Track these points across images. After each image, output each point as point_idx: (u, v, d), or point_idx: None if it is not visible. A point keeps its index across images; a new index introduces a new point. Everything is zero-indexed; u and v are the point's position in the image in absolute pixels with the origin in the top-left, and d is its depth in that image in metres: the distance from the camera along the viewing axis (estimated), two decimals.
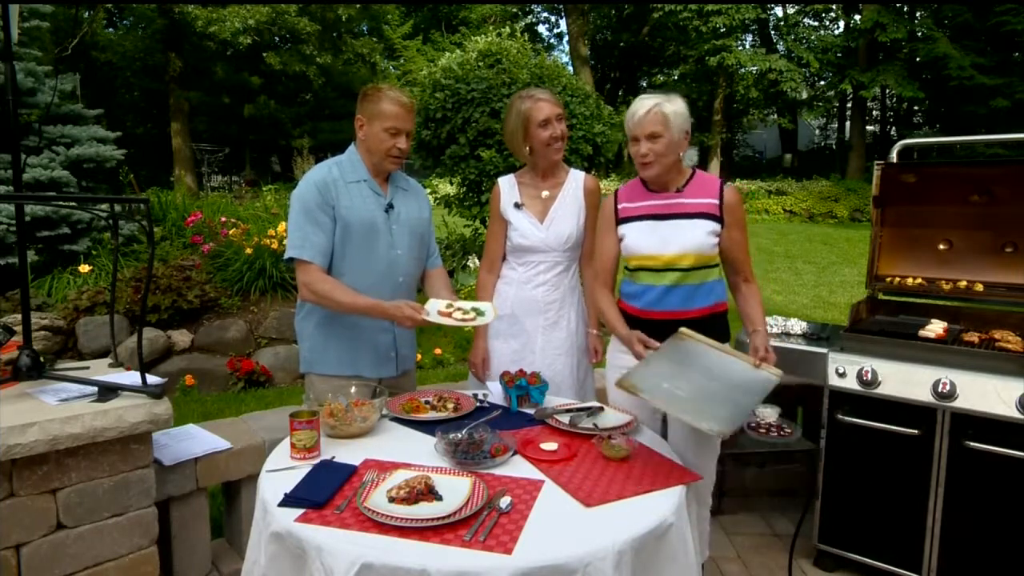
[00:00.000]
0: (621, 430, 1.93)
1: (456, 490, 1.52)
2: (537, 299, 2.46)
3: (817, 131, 30.06)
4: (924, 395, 2.41)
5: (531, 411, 2.09)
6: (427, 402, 2.15)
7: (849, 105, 22.52)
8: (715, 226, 2.16)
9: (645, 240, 2.19)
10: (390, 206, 2.30)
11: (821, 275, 9.80)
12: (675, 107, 2.10)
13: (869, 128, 23.62)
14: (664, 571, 1.47)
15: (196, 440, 2.43)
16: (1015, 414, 2.24)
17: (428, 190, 7.37)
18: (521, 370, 2.26)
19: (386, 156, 2.24)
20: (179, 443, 2.38)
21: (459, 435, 1.78)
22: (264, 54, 19.14)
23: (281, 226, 5.36)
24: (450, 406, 2.12)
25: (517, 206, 2.46)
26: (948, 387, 2.36)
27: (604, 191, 2.59)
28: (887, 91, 21.15)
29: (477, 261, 6.43)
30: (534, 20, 28.71)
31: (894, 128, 24.38)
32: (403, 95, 2.24)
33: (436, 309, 2.17)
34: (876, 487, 2.55)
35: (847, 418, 2.57)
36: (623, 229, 2.24)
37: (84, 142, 5.93)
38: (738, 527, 3.03)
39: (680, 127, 2.11)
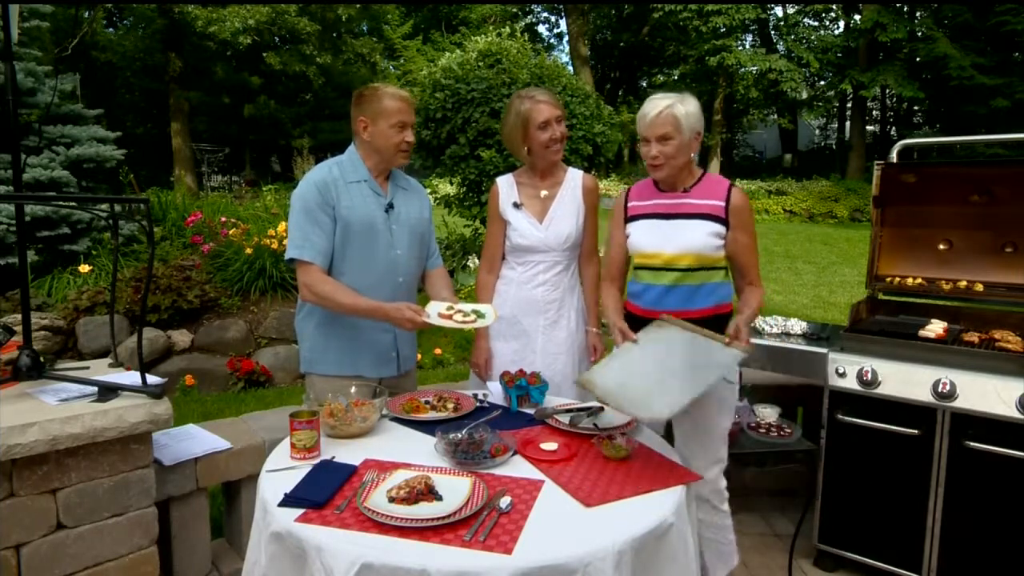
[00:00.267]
0: (621, 430, 1.93)
1: (456, 490, 1.52)
2: (537, 299, 2.46)
3: (817, 131, 30.06)
4: (924, 395, 2.42)
5: (531, 411, 2.09)
6: (427, 402, 2.15)
7: (849, 105, 22.52)
8: (718, 228, 2.15)
9: (646, 238, 2.20)
10: (390, 206, 2.30)
11: (821, 275, 9.80)
12: (687, 108, 2.09)
13: (869, 128, 23.62)
14: (664, 571, 1.47)
15: (196, 440, 2.43)
16: (1015, 414, 2.24)
17: (428, 190, 7.36)
18: (521, 370, 2.26)
19: (396, 151, 2.25)
20: (179, 443, 2.38)
21: (459, 435, 1.78)
22: (264, 54, 19.14)
23: (281, 226, 5.36)
24: (450, 406, 2.12)
25: (516, 206, 2.46)
26: (948, 387, 2.36)
27: (604, 191, 2.59)
28: (887, 91, 21.15)
29: (477, 261, 6.43)
30: (534, 20, 28.72)
31: (894, 128, 24.38)
32: (400, 90, 2.27)
33: (437, 311, 2.17)
34: (876, 487, 2.55)
35: (847, 418, 2.57)
36: (630, 227, 2.27)
37: (84, 142, 5.93)
38: (738, 527, 3.00)
39: (692, 128, 2.10)
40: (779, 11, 23.47)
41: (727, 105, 22.42)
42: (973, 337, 2.59)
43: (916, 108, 22.92)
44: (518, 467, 1.70)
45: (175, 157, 18.51)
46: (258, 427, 2.61)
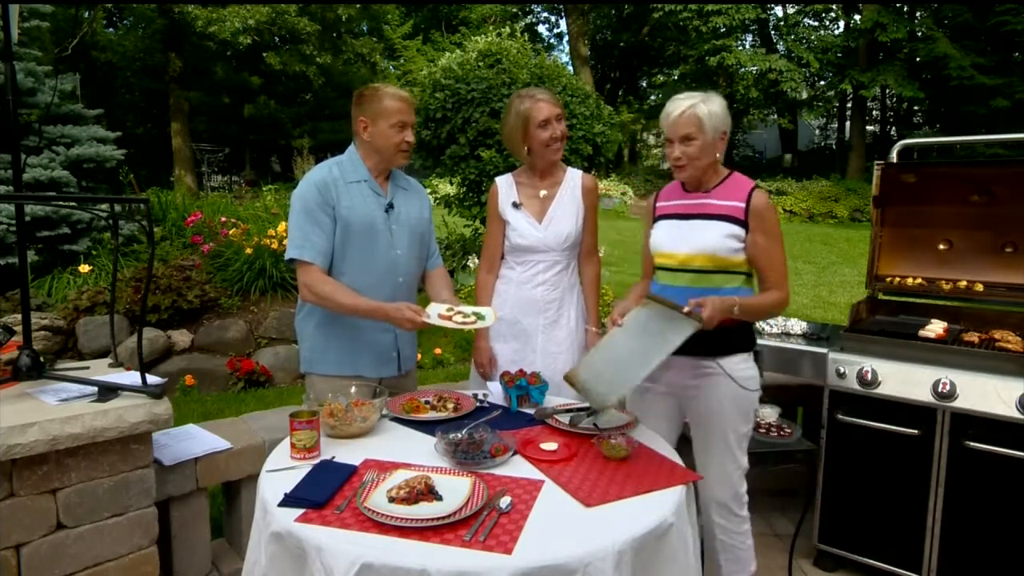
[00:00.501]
0: (621, 430, 1.93)
1: (456, 490, 1.52)
2: (537, 298, 2.46)
3: (817, 131, 30.04)
4: (924, 395, 2.42)
5: (531, 411, 2.09)
6: (427, 402, 2.15)
7: (849, 105, 22.51)
8: (736, 229, 2.07)
9: (664, 238, 2.19)
10: (390, 206, 2.30)
11: (821, 275, 9.80)
12: (711, 108, 2.05)
13: (869, 128, 23.61)
14: (664, 571, 1.47)
15: (196, 440, 2.43)
16: (1015, 414, 2.25)
17: (428, 190, 7.36)
18: (521, 370, 2.26)
19: (396, 152, 2.25)
20: (179, 443, 2.38)
21: (459, 435, 1.78)
22: (264, 54, 19.14)
23: (281, 226, 5.36)
24: (450, 406, 2.12)
25: (515, 206, 2.46)
26: (948, 387, 2.36)
27: (603, 191, 2.60)
28: (887, 91, 21.14)
29: (477, 261, 6.43)
30: (534, 20, 28.72)
31: (894, 128, 24.36)
32: (400, 90, 2.27)
33: (437, 312, 2.17)
34: (876, 487, 2.55)
35: (847, 418, 2.57)
36: (654, 227, 2.25)
37: (84, 142, 5.93)
38: None
39: (715, 128, 2.05)
40: (779, 11, 23.46)
41: (727, 105, 22.41)
42: (973, 337, 2.59)
43: (916, 108, 22.91)
44: (518, 467, 1.70)
45: (175, 157, 18.52)
46: (258, 427, 2.61)
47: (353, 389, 2.06)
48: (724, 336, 2.08)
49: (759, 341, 2.83)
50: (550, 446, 1.80)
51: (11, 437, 1.77)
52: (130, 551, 2.06)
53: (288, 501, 1.50)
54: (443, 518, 1.39)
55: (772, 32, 23.23)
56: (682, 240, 2.14)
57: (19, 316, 2.27)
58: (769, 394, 3.14)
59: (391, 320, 2.14)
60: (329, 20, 19.13)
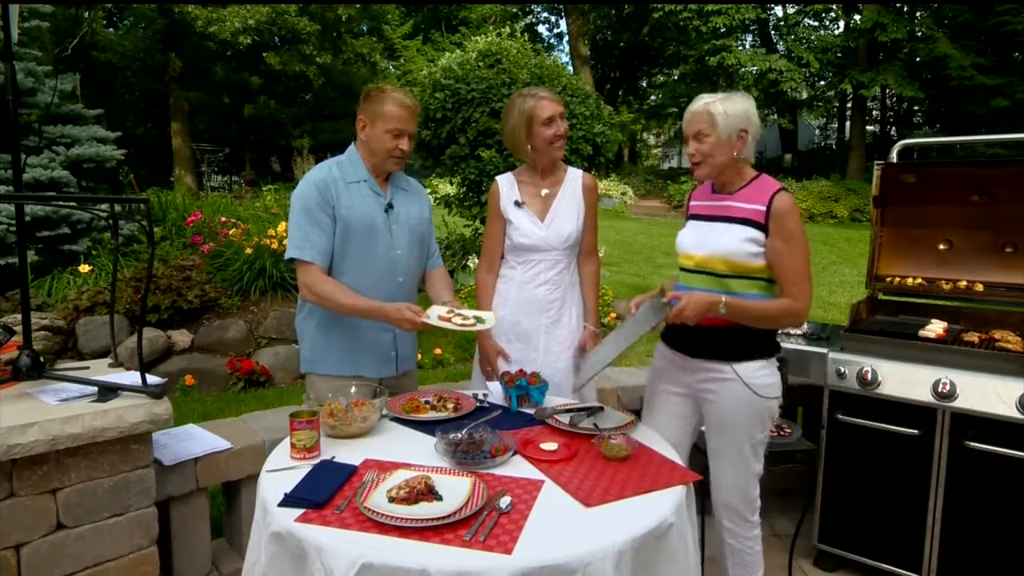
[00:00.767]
0: (621, 430, 1.93)
1: (456, 490, 1.52)
2: (540, 298, 2.46)
3: (817, 131, 30.06)
4: (924, 395, 2.42)
5: (531, 411, 2.09)
6: (427, 402, 2.15)
7: (849, 105, 22.52)
8: (755, 233, 2.02)
9: (685, 238, 2.19)
10: (390, 206, 2.30)
11: (821, 275, 9.80)
12: (726, 106, 2.01)
13: (869, 128, 23.62)
14: (664, 571, 1.47)
15: (196, 440, 2.43)
16: (1015, 414, 2.25)
17: (428, 190, 7.37)
18: (521, 370, 2.26)
19: (388, 157, 2.24)
20: (179, 443, 2.38)
21: (459, 435, 1.78)
22: (264, 54, 19.15)
23: (281, 226, 5.36)
24: (450, 406, 2.12)
25: (517, 204, 2.46)
26: (948, 387, 2.36)
27: (603, 191, 2.60)
28: (887, 91, 21.15)
29: (477, 261, 6.42)
30: (534, 20, 28.72)
31: (894, 128, 24.37)
32: (407, 97, 2.23)
33: (437, 314, 2.18)
34: (876, 487, 2.55)
35: (847, 418, 2.57)
36: (685, 226, 2.26)
37: (84, 142, 5.92)
38: None
39: (731, 127, 2.01)
40: (779, 11, 23.47)
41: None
42: (973, 337, 2.59)
43: (916, 108, 22.91)
44: (518, 467, 1.70)
45: (175, 157, 18.53)
46: (258, 427, 2.61)
47: (353, 389, 2.07)
48: (738, 340, 2.06)
49: None
50: (550, 446, 1.80)
51: (11, 437, 1.77)
52: (130, 551, 2.06)
53: (288, 501, 1.50)
54: (443, 518, 1.39)
55: (772, 32, 23.23)
56: (701, 242, 2.12)
57: (19, 316, 2.27)
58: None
59: (390, 321, 2.14)
60: (329, 20, 19.14)
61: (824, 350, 2.67)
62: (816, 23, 23.06)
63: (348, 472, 1.64)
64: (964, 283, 2.86)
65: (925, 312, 2.94)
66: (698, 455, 2.30)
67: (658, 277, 8.73)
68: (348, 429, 1.87)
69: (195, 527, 2.38)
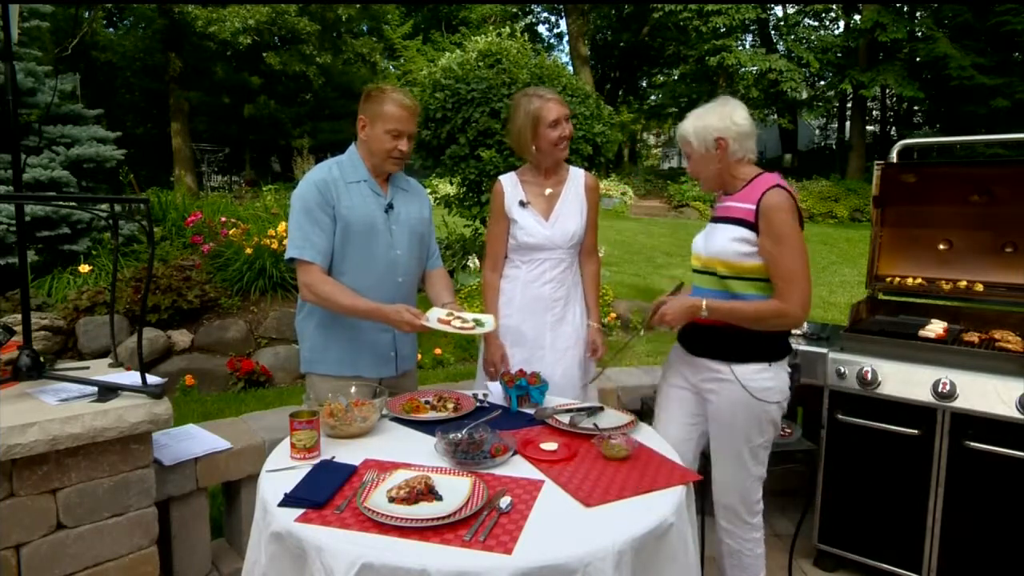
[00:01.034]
0: (621, 430, 1.93)
1: (456, 490, 1.52)
2: (545, 296, 2.47)
3: (817, 131, 30.05)
4: (924, 395, 2.42)
5: (531, 411, 2.09)
6: (427, 402, 2.15)
7: (849, 105, 22.52)
8: (745, 233, 2.00)
9: (697, 240, 2.21)
10: (390, 206, 2.30)
11: (821, 275, 9.80)
12: (695, 123, 2.07)
13: (869, 128, 23.62)
14: (664, 571, 1.47)
15: (196, 440, 2.43)
16: (1015, 414, 2.25)
17: (428, 190, 7.37)
18: (521, 370, 2.26)
19: (387, 158, 2.24)
20: (179, 443, 2.38)
21: (459, 435, 1.78)
22: (264, 54, 19.14)
23: (281, 226, 5.36)
24: (450, 406, 2.12)
25: (522, 204, 2.47)
26: (948, 387, 2.36)
27: (603, 191, 2.61)
28: (887, 91, 21.15)
29: (477, 261, 6.43)
30: (534, 20, 28.71)
31: (894, 128, 24.37)
32: (407, 97, 2.23)
33: (436, 317, 2.18)
34: (876, 487, 2.55)
35: (847, 418, 2.57)
36: None
37: (84, 142, 5.92)
38: None
39: (705, 140, 2.06)
40: (779, 11, 23.47)
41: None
42: (973, 337, 2.59)
43: (916, 108, 22.91)
44: (518, 467, 1.70)
45: (175, 157, 18.52)
46: (258, 427, 2.61)
47: (353, 389, 2.07)
48: (735, 341, 2.05)
49: None
50: (550, 446, 1.80)
51: (11, 437, 1.77)
52: (130, 551, 2.06)
53: (288, 501, 1.50)
54: (443, 518, 1.39)
55: (772, 32, 23.23)
56: (705, 244, 2.14)
57: (19, 316, 2.27)
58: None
59: (390, 322, 2.14)
60: (329, 20, 19.13)
61: (824, 350, 2.67)
62: (816, 23, 23.06)
63: (348, 472, 1.64)
64: (964, 283, 2.86)
65: (925, 312, 2.94)
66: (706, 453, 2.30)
67: (658, 277, 8.72)
68: (348, 429, 1.87)
69: (195, 527, 2.38)
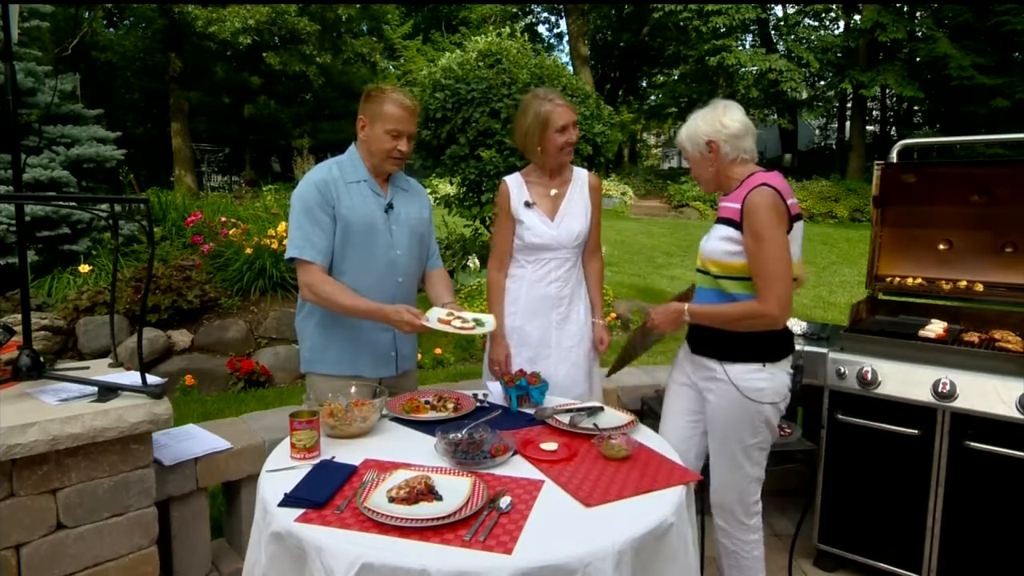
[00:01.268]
0: (621, 430, 1.93)
1: (456, 490, 1.52)
2: (551, 295, 2.50)
3: (817, 131, 30.06)
4: (924, 395, 2.42)
5: (531, 411, 2.09)
6: (427, 402, 2.15)
7: (849, 105, 22.52)
8: (730, 232, 2.02)
9: (701, 241, 2.22)
10: (390, 206, 2.30)
11: (821, 275, 9.80)
12: (687, 130, 2.14)
13: (869, 128, 23.62)
14: (664, 571, 1.47)
15: (196, 440, 2.43)
16: (1015, 414, 2.24)
17: (428, 190, 7.36)
18: (521, 370, 2.27)
19: (386, 158, 2.24)
20: (179, 443, 2.38)
21: (459, 435, 1.78)
22: (264, 54, 19.14)
23: (281, 226, 5.36)
24: (450, 406, 2.12)
25: (527, 205, 2.49)
26: (948, 387, 2.36)
27: (603, 191, 2.61)
28: (887, 91, 21.15)
29: (477, 261, 6.43)
30: (534, 20, 28.71)
31: (894, 128, 24.37)
32: (407, 97, 2.23)
33: (436, 317, 2.18)
34: (876, 487, 2.55)
35: (847, 418, 2.57)
36: None
37: (84, 142, 5.92)
38: None
39: (696, 145, 2.11)
40: (779, 11, 23.46)
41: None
42: (973, 337, 2.59)
43: (916, 108, 22.91)
44: (518, 467, 1.70)
45: (175, 157, 18.52)
46: (258, 427, 2.61)
47: (353, 389, 2.07)
48: (726, 341, 2.07)
49: None
50: (550, 446, 1.80)
51: (11, 437, 1.77)
52: (130, 551, 2.06)
53: (288, 501, 1.50)
54: (443, 518, 1.39)
55: (772, 32, 23.23)
56: (702, 244, 2.17)
57: (19, 316, 2.27)
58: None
59: (390, 322, 2.14)
60: (329, 20, 19.12)
61: (824, 350, 2.67)
62: (816, 23, 23.06)
63: (348, 472, 1.64)
64: (964, 283, 2.86)
65: (925, 312, 2.94)
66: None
67: (658, 277, 8.72)
68: (348, 429, 1.87)
69: (195, 527, 2.38)
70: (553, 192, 2.51)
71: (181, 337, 4.79)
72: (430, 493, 1.49)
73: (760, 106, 23.67)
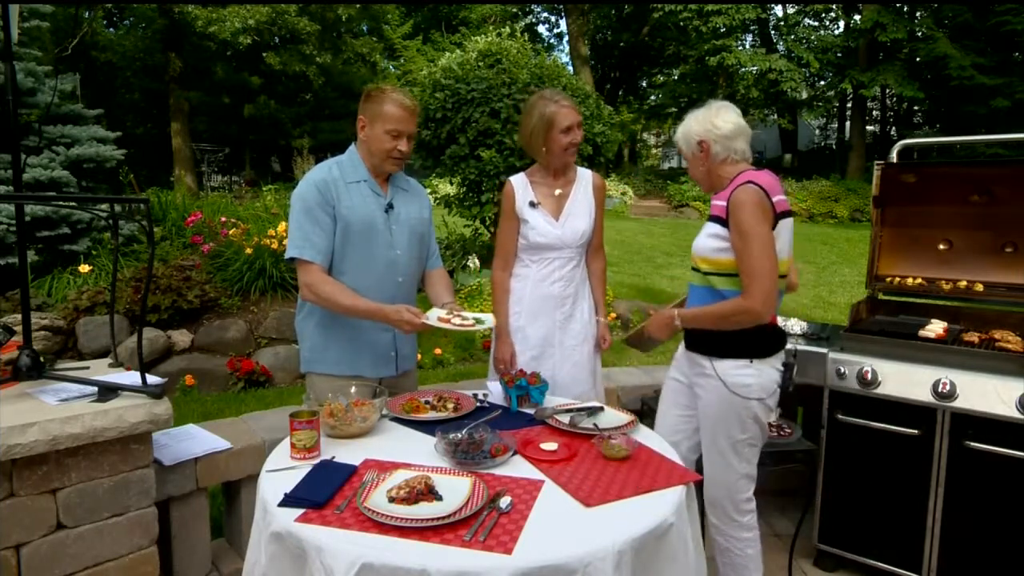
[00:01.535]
0: (621, 430, 1.93)
1: (456, 490, 1.52)
2: (555, 294, 2.51)
3: (817, 131, 30.04)
4: (924, 395, 2.42)
5: (531, 411, 2.09)
6: (427, 402, 2.15)
7: (849, 105, 22.51)
8: (718, 228, 2.07)
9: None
10: (390, 206, 2.30)
11: (821, 275, 9.80)
12: (681, 129, 2.21)
13: (869, 128, 23.61)
14: (664, 571, 1.47)
15: (196, 440, 2.43)
16: (1015, 414, 2.24)
17: (428, 190, 7.36)
18: (521, 370, 2.28)
19: (386, 158, 2.24)
20: (179, 443, 2.38)
21: (459, 435, 1.78)
22: (264, 54, 19.13)
23: (281, 226, 5.36)
24: (450, 406, 2.12)
25: (532, 204, 2.50)
26: (948, 387, 2.36)
27: (606, 192, 2.62)
28: (887, 91, 21.14)
29: (477, 261, 6.42)
30: (534, 20, 28.70)
31: (894, 128, 24.36)
32: (406, 97, 2.23)
33: (436, 316, 2.19)
34: (876, 487, 2.55)
35: (847, 418, 2.57)
36: None
37: (84, 142, 5.92)
38: None
39: (689, 144, 2.18)
40: (779, 11, 23.46)
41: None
42: (973, 337, 2.59)
43: (916, 108, 22.91)
44: (518, 467, 1.70)
45: (175, 157, 18.51)
46: (258, 427, 2.61)
47: (353, 389, 2.07)
48: (718, 337, 2.10)
49: None
50: (550, 446, 1.80)
51: (11, 437, 1.77)
52: (130, 551, 2.06)
53: (288, 501, 1.50)
54: (443, 518, 1.39)
55: (772, 32, 23.22)
56: (694, 242, 2.21)
57: (19, 316, 2.27)
58: None
59: (390, 322, 2.14)
60: (329, 20, 19.12)
61: (824, 350, 2.67)
62: (816, 23, 23.05)
63: (348, 472, 1.64)
64: (964, 283, 2.86)
65: (925, 312, 2.94)
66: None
67: (658, 277, 8.72)
68: (348, 429, 1.87)
69: (195, 527, 2.38)
70: (557, 192, 2.52)
71: (181, 337, 4.79)
72: (430, 493, 1.49)
73: (760, 106, 23.66)
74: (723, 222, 2.06)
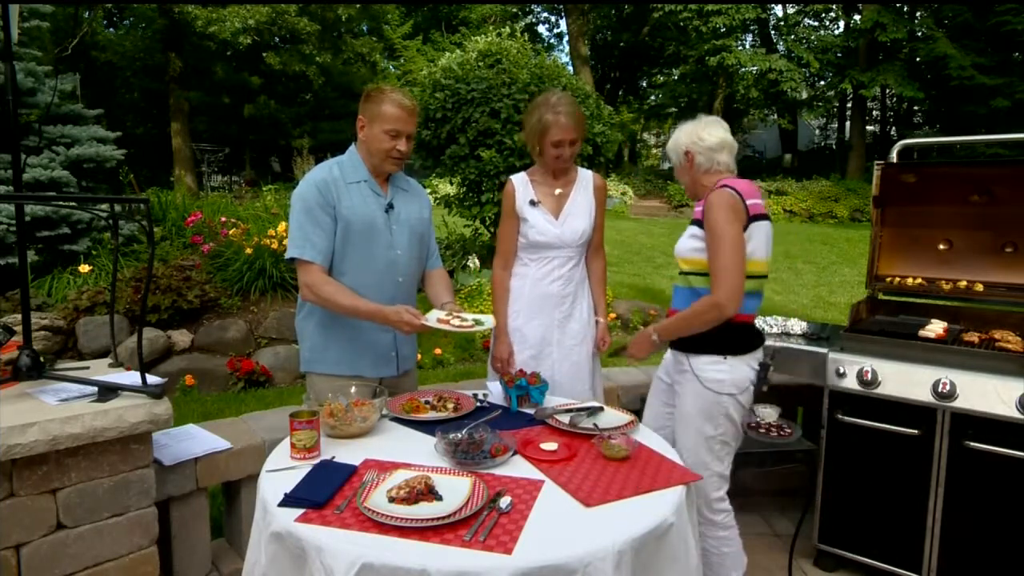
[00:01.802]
0: (621, 430, 1.93)
1: (456, 490, 1.52)
2: (553, 293, 2.52)
3: (817, 131, 30.03)
4: (924, 395, 2.42)
5: (531, 411, 2.09)
6: (427, 402, 2.15)
7: (849, 105, 22.50)
8: (695, 230, 2.18)
9: None
10: (390, 206, 2.30)
11: (821, 275, 9.81)
12: (671, 139, 2.31)
13: (869, 128, 23.60)
14: (664, 571, 1.47)
15: (196, 440, 2.43)
16: (1015, 414, 2.25)
17: (428, 190, 7.37)
18: (521, 370, 2.28)
19: (386, 158, 2.24)
20: (179, 443, 2.38)
21: (459, 435, 1.78)
22: (264, 54, 19.12)
23: (281, 226, 5.36)
24: (450, 406, 2.12)
25: (533, 203, 2.50)
26: (948, 387, 2.36)
27: (607, 192, 2.63)
28: (887, 91, 21.14)
29: (477, 261, 6.43)
30: (534, 20, 28.68)
31: (894, 128, 24.36)
32: (406, 97, 2.23)
33: (436, 317, 2.19)
34: (876, 487, 2.55)
35: (847, 418, 2.57)
36: None
37: (84, 142, 5.92)
38: (739, 527, 3.02)
39: (677, 155, 2.29)
40: (779, 11, 23.46)
41: (727, 105, 22.39)
42: (973, 337, 2.59)
43: (916, 108, 22.91)
44: (518, 467, 1.70)
45: (175, 157, 18.50)
46: (258, 427, 2.61)
47: (353, 389, 2.07)
48: (694, 335, 2.18)
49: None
50: (550, 446, 1.80)
51: (11, 437, 1.77)
52: (130, 551, 2.06)
53: (288, 501, 1.50)
54: (443, 518, 1.39)
55: (772, 32, 23.22)
56: (676, 244, 2.30)
57: (19, 316, 2.27)
58: (769, 394, 3.14)
59: (390, 323, 2.14)
60: (329, 20, 19.10)
61: (824, 350, 2.67)
62: (816, 23, 23.04)
63: (348, 472, 1.64)
64: (964, 283, 2.86)
65: (925, 312, 2.94)
66: None
67: (658, 277, 8.72)
68: (348, 429, 1.87)
69: (195, 527, 2.38)
70: (558, 191, 2.53)
71: (181, 337, 4.79)
72: (430, 493, 1.49)
73: (760, 106, 23.69)
74: (700, 224, 2.18)
